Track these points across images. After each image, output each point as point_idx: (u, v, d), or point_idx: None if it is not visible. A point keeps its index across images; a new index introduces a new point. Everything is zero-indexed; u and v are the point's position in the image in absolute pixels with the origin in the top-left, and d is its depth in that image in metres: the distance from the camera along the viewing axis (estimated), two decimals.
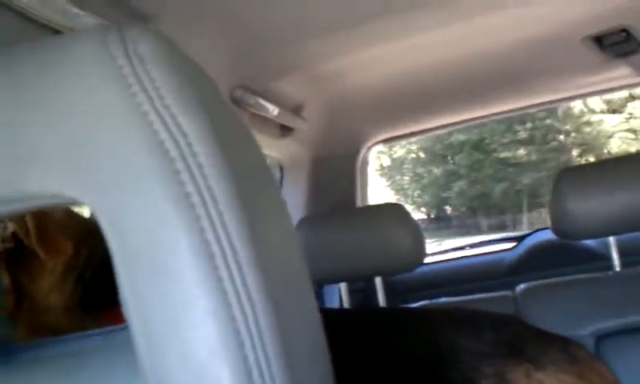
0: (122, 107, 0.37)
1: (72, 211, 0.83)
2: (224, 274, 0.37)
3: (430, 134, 2.70)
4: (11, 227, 0.75)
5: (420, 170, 18.29)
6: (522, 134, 16.21)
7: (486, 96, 2.26)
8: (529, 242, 2.63)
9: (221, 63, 1.51)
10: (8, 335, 0.61)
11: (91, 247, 0.80)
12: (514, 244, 2.71)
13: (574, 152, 16.57)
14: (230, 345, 0.36)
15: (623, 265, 1.56)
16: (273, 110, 1.79)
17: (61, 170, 0.38)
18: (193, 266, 0.36)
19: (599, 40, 1.82)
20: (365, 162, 2.52)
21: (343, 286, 1.83)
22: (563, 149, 16.20)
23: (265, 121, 1.85)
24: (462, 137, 17.03)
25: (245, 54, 1.55)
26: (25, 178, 0.38)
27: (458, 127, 2.65)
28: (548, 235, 2.53)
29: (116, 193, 0.37)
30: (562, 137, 16.26)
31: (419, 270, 1.74)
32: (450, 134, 16.76)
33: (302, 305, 0.46)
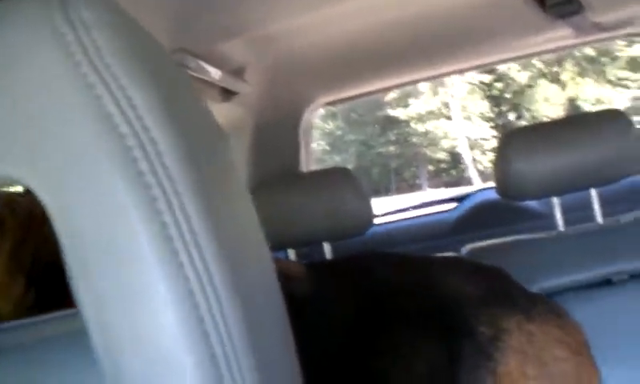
0: (66, 78, 0.34)
1: (11, 200, 0.75)
2: (184, 257, 0.34)
3: (372, 96, 2.69)
4: None
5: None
6: (392, 136, 19.82)
7: (429, 57, 2.26)
8: (471, 202, 2.67)
9: (161, 26, 1.45)
10: None
11: (38, 240, 0.70)
12: (455, 204, 2.74)
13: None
14: (193, 332, 0.34)
15: (566, 224, 1.59)
16: (214, 74, 1.74)
17: (4, 151, 0.34)
18: (150, 250, 0.34)
19: (542, 1, 1.83)
20: (309, 126, 2.49)
21: (291, 251, 1.82)
22: (414, 145, 19.64)
23: (206, 84, 1.81)
24: (352, 136, 20.11)
25: (185, 17, 1.49)
26: None
27: (400, 88, 2.65)
28: (488, 195, 2.56)
29: (62, 173, 0.34)
30: (414, 139, 19.72)
31: (365, 232, 1.73)
32: (343, 133, 19.99)
33: (264, 279, 0.44)
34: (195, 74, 1.65)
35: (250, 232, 0.43)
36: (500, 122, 18.48)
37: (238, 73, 1.92)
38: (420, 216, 2.79)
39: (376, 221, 2.70)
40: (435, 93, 18.74)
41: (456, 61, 2.32)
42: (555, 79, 17.82)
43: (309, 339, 0.50)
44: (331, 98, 2.47)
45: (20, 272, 0.70)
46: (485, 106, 18.92)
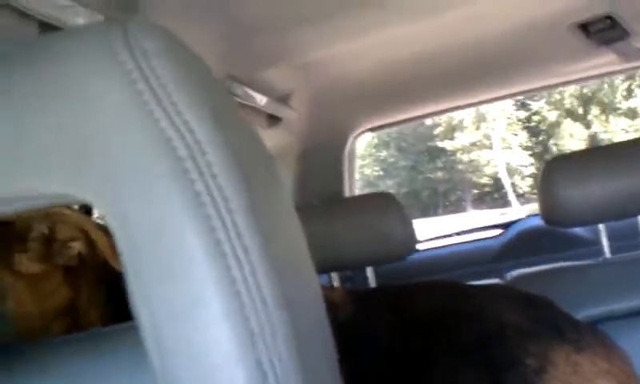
0: (127, 105, 0.36)
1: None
2: (237, 274, 0.36)
3: (418, 125, 2.70)
4: (77, 247, 0.71)
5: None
6: (439, 164, 21.62)
7: (473, 84, 2.26)
8: (516, 229, 2.64)
9: (209, 53, 1.49)
10: (12, 334, 0.59)
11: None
12: (501, 231, 2.72)
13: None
14: (244, 347, 0.35)
15: (613, 251, 1.57)
16: (261, 100, 1.78)
17: (68, 170, 0.37)
18: (204, 265, 0.35)
19: (585, 27, 1.82)
20: (352, 151, 2.51)
21: (334, 275, 1.83)
22: (460, 171, 21.51)
23: (252, 111, 1.84)
24: (403, 163, 22.03)
25: (232, 44, 1.53)
26: (32, 178, 0.37)
27: (443, 114, 2.66)
28: (534, 222, 2.54)
29: (124, 193, 0.36)
30: (460, 166, 21.55)
31: (408, 257, 1.73)
32: (396, 160, 22.02)
33: (311, 299, 0.45)
34: (242, 101, 1.69)
35: (298, 251, 0.45)
36: (537, 150, 20.06)
37: (283, 99, 1.95)
38: (464, 242, 2.78)
39: (420, 246, 2.71)
40: (478, 127, 20.64)
41: (497, 87, 2.32)
42: (579, 117, 19.51)
43: (348, 366, 0.51)
44: (374, 124, 2.48)
45: (103, 285, 0.74)
46: (523, 137, 20.78)
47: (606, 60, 2.07)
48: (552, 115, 19.93)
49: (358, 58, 1.87)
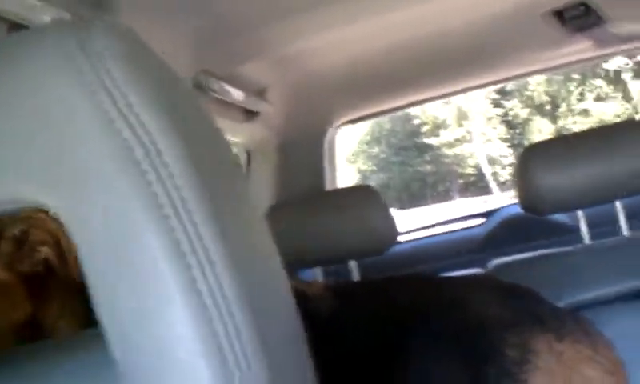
0: (82, 107, 0.36)
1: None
2: (197, 273, 0.35)
3: (396, 112, 2.71)
4: (44, 252, 0.70)
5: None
6: (427, 158, 23.54)
7: (451, 73, 2.27)
8: (497, 218, 2.65)
9: (184, 49, 1.48)
10: None
11: None
12: (482, 220, 2.73)
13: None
14: (208, 345, 0.35)
15: (593, 237, 1.58)
16: (237, 95, 1.77)
17: (23, 174, 0.36)
18: (165, 266, 0.35)
19: (560, 14, 1.83)
20: (332, 144, 2.51)
21: (318, 269, 1.83)
22: (446, 164, 23.48)
23: (229, 106, 1.83)
24: (394, 158, 24.07)
25: (208, 39, 1.52)
26: None
27: (421, 105, 2.67)
28: (516, 210, 2.55)
29: (82, 197, 0.35)
30: (446, 159, 23.31)
31: (393, 250, 1.73)
32: (387, 156, 24.00)
33: (278, 296, 0.45)
34: (218, 96, 1.68)
35: (262, 248, 0.45)
36: (515, 141, 21.71)
37: (260, 93, 1.95)
38: (447, 232, 2.78)
39: (404, 237, 2.71)
40: (460, 124, 22.64)
41: (474, 76, 2.33)
42: (547, 113, 21.67)
43: (326, 359, 0.50)
44: (353, 116, 2.48)
45: (78, 294, 0.71)
46: (502, 130, 22.71)
47: (581, 47, 2.08)
48: (524, 112, 22.13)
49: (334, 50, 1.86)
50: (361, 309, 1.06)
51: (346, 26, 1.67)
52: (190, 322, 0.35)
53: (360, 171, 23.80)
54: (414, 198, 22.69)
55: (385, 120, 23.04)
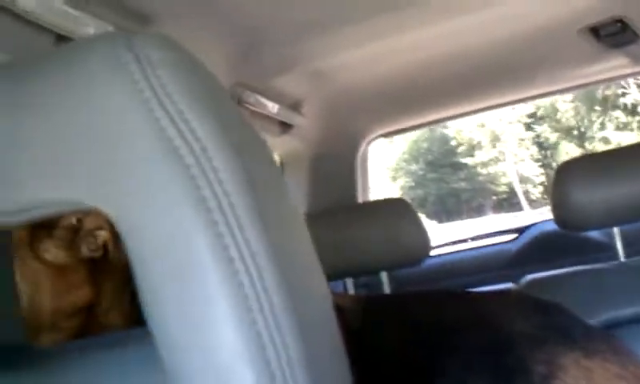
0: (135, 114, 0.37)
1: None
2: (244, 278, 0.36)
3: (428, 127, 2.71)
4: (103, 236, 0.71)
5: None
6: (462, 175, 26.01)
7: (484, 89, 2.26)
8: (531, 234, 2.63)
9: (220, 61, 1.51)
10: (21, 337, 0.60)
11: None
12: (515, 235, 2.71)
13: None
14: (252, 349, 0.36)
15: (627, 255, 1.56)
16: (272, 107, 1.79)
17: (78, 178, 0.38)
18: (212, 270, 0.36)
19: (595, 31, 1.82)
20: (365, 157, 2.52)
21: (349, 281, 1.83)
22: (480, 182, 25.79)
23: (264, 118, 1.85)
24: (432, 175, 26.51)
25: (244, 52, 1.55)
26: (42, 186, 0.38)
27: (455, 120, 2.66)
28: (550, 226, 2.53)
29: (133, 200, 0.37)
30: (480, 178, 25.87)
31: (424, 262, 1.73)
32: (425, 173, 26.68)
33: (319, 302, 0.46)
34: (253, 108, 1.70)
35: (305, 255, 0.46)
36: (545, 162, 24.54)
37: (294, 106, 1.96)
38: (480, 247, 2.77)
39: (436, 251, 2.70)
40: (494, 146, 25.01)
41: (508, 92, 2.32)
42: (574, 138, 23.90)
43: (357, 371, 0.51)
44: (387, 130, 2.49)
45: (127, 288, 0.73)
46: (534, 151, 25.20)
47: (616, 63, 2.07)
48: (553, 136, 24.68)
49: (369, 64, 1.87)
50: (389, 323, 1.06)
51: (380, 41, 1.69)
52: (235, 326, 0.36)
53: (401, 187, 26.00)
54: (449, 212, 25.26)
55: (422, 139, 26.15)
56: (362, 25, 1.57)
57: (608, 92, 20.14)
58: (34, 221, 0.41)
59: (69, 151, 0.38)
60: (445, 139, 26.12)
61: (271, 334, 0.37)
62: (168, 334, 0.37)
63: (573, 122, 23.22)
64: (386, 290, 1.76)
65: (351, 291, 1.85)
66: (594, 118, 22.04)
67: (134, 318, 0.72)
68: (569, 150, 22.34)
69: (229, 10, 1.37)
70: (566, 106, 22.53)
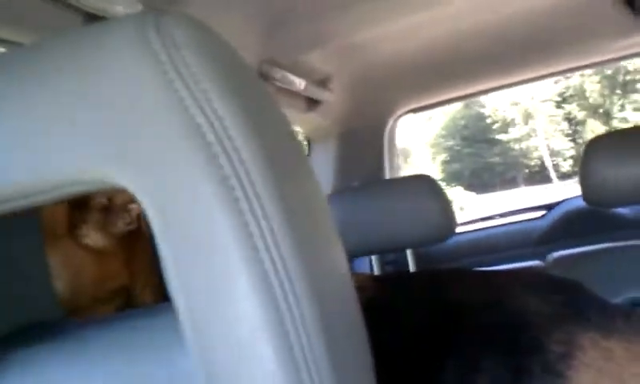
0: (160, 93, 0.38)
1: None
2: (263, 253, 0.37)
3: (457, 102, 2.69)
4: (136, 208, 0.73)
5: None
6: (496, 151, 27.60)
7: (514, 63, 2.24)
8: (559, 211, 2.61)
9: (248, 38, 1.51)
10: (56, 313, 0.62)
11: None
12: (543, 212, 2.69)
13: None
14: (271, 323, 0.37)
15: None
16: (299, 84, 1.79)
17: (102, 156, 0.39)
18: (233, 246, 0.37)
19: (631, 2, 1.78)
20: (392, 133, 2.51)
21: (374, 257, 1.84)
22: (513, 156, 27.77)
23: (291, 94, 1.86)
24: (467, 150, 28.16)
25: (271, 29, 1.55)
26: (68, 165, 0.39)
27: (485, 94, 2.64)
28: (579, 203, 2.50)
29: (157, 177, 0.38)
30: (513, 152, 27.68)
31: (451, 240, 1.73)
32: (461, 148, 28.52)
33: (338, 279, 0.47)
34: (281, 85, 1.71)
35: (325, 233, 0.46)
36: (576, 136, 26.38)
37: (322, 82, 1.96)
38: (508, 224, 2.75)
39: (463, 228, 2.70)
40: (526, 122, 27.12)
41: (540, 66, 2.29)
42: (599, 116, 25.89)
43: (371, 348, 0.52)
44: (415, 106, 2.48)
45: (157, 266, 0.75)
46: (565, 126, 27.18)
47: None
48: (581, 114, 26.56)
49: (397, 39, 1.87)
50: (403, 299, 1.07)
51: (408, 16, 1.68)
52: (254, 300, 0.37)
53: (440, 162, 28.01)
54: (484, 185, 26.86)
55: (459, 117, 28.23)
56: (389, 0, 1.56)
57: (628, 77, 23.86)
58: (63, 199, 0.42)
59: (94, 130, 0.39)
60: (480, 116, 27.82)
61: (290, 308, 0.38)
62: (191, 308, 0.38)
63: (599, 101, 25.46)
64: (412, 267, 1.77)
65: (376, 268, 1.86)
66: (614, 101, 24.83)
67: (162, 295, 0.75)
68: (594, 128, 24.21)
69: None
70: (593, 87, 25.17)
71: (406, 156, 27.19)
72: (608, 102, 24.98)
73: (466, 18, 1.77)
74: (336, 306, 0.44)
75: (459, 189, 24.42)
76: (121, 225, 0.73)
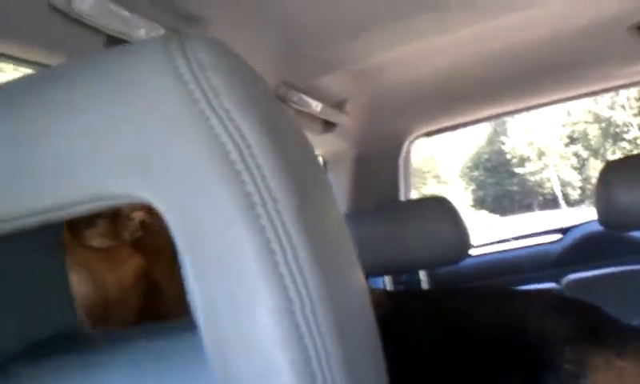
0: (185, 113, 0.39)
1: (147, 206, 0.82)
2: (284, 270, 0.38)
3: (471, 125, 2.69)
4: (138, 216, 0.75)
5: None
6: (515, 180, 33.78)
7: (529, 87, 2.24)
8: (575, 234, 2.60)
9: (266, 61, 1.53)
10: (74, 325, 0.63)
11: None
12: (559, 236, 2.68)
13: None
14: (290, 337, 0.38)
15: None
16: (316, 106, 1.81)
17: (128, 173, 0.40)
18: (255, 262, 0.38)
19: None
20: (408, 156, 2.52)
21: (388, 278, 1.84)
22: (529, 185, 33.60)
23: (308, 117, 1.88)
24: (490, 180, 33.67)
25: (289, 52, 1.57)
26: (95, 181, 0.41)
27: (498, 118, 2.65)
28: (595, 227, 2.49)
29: (182, 194, 0.39)
30: (529, 183, 34.33)
31: (464, 261, 1.73)
32: (485, 178, 33.74)
33: (356, 296, 0.47)
34: (298, 107, 1.73)
35: (344, 251, 0.47)
36: (582, 169, 31.15)
37: (338, 105, 1.98)
38: (523, 247, 2.74)
39: (480, 250, 2.69)
40: (540, 158, 32.30)
41: (553, 91, 2.29)
42: (599, 155, 30.45)
43: (388, 361, 0.52)
44: (430, 129, 2.49)
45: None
46: (574, 160, 32.22)
47: None
48: (585, 154, 31.37)
49: (412, 63, 1.88)
50: (418, 317, 1.07)
51: (424, 40, 1.69)
52: (275, 316, 0.38)
53: (465, 189, 33.07)
54: (504, 209, 31.71)
55: (483, 152, 33.24)
56: (406, 24, 1.58)
57: (617, 129, 29.33)
58: (84, 214, 0.43)
59: (121, 147, 0.41)
60: (501, 151, 33.07)
61: (308, 324, 0.39)
62: (213, 324, 0.39)
63: (599, 144, 30.41)
64: (425, 287, 1.77)
65: (390, 288, 1.86)
66: (607, 146, 29.89)
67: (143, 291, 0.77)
68: (595, 165, 28.55)
69: (275, 11, 1.40)
70: (594, 132, 30.38)
71: (446, 185, 33.46)
72: (603, 147, 30.07)
73: (481, 42, 1.79)
74: (354, 322, 0.45)
75: (484, 212, 31.12)
76: (126, 235, 0.74)
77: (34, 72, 0.56)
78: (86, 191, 0.42)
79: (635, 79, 2.23)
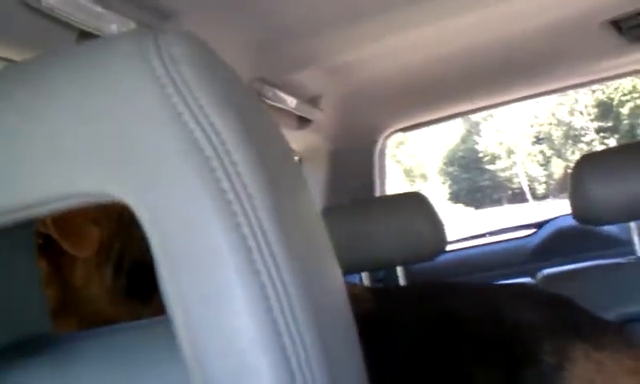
0: (158, 109, 0.39)
1: (105, 207, 0.85)
2: (260, 267, 0.38)
3: (446, 121, 2.70)
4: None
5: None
6: (486, 176, 36.39)
7: (503, 82, 2.26)
8: (549, 229, 2.62)
9: (240, 56, 1.52)
10: (47, 327, 0.62)
11: (125, 239, 0.82)
12: (533, 230, 2.70)
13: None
14: (268, 335, 0.37)
15: None
16: (291, 102, 1.80)
17: (101, 170, 0.39)
18: (231, 260, 0.37)
19: (617, 24, 1.81)
20: (383, 152, 2.53)
21: (365, 274, 1.84)
22: (499, 180, 36.52)
23: (283, 112, 1.87)
24: (464, 175, 35.79)
25: (263, 47, 1.56)
26: (67, 178, 0.40)
27: (475, 113, 2.66)
28: (568, 221, 2.52)
29: (155, 191, 0.38)
30: (499, 178, 36.88)
31: (440, 257, 1.74)
32: (459, 173, 36.24)
33: (333, 292, 0.47)
34: (272, 103, 1.72)
35: (320, 248, 0.47)
36: (547, 166, 33.68)
37: (313, 101, 1.98)
38: (498, 242, 2.76)
39: (453, 246, 2.70)
40: (509, 156, 34.43)
41: (528, 86, 2.31)
42: (562, 155, 32.83)
43: (369, 356, 0.52)
44: (404, 125, 2.49)
45: (108, 262, 0.81)
46: (540, 157, 34.16)
47: (638, 57, 2.06)
48: (549, 153, 33.63)
49: (386, 59, 1.88)
50: (400, 312, 1.07)
51: (399, 36, 1.69)
52: (252, 314, 0.37)
53: (443, 184, 35.60)
54: (476, 202, 33.91)
55: (458, 150, 35.57)
56: (380, 20, 1.57)
57: (575, 132, 31.57)
58: (57, 212, 0.42)
59: (93, 144, 0.40)
60: (474, 150, 35.07)
61: (287, 322, 0.38)
62: (188, 321, 0.38)
63: (561, 144, 32.77)
64: (402, 283, 1.77)
65: (367, 284, 1.86)
66: (568, 147, 32.36)
67: (120, 294, 0.80)
68: (557, 164, 32.53)
69: (249, 6, 1.39)
70: (558, 133, 32.64)
71: (425, 179, 36.46)
72: (564, 148, 32.70)
73: (455, 38, 1.79)
74: (332, 318, 0.44)
75: (460, 205, 33.37)
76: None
77: (2, 68, 0.54)
78: (57, 189, 0.40)
79: (607, 74, 2.26)
